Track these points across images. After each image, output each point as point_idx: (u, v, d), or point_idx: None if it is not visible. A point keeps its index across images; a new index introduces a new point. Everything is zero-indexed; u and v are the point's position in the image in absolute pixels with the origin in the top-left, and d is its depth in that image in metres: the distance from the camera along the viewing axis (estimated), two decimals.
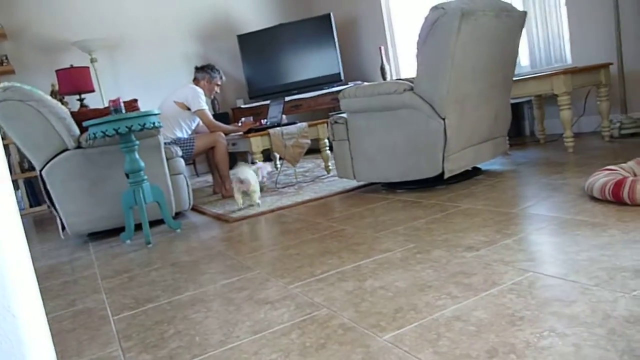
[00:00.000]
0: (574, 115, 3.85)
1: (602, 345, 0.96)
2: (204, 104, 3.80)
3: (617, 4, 3.38)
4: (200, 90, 3.84)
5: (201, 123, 3.97)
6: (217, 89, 4.07)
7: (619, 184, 1.83)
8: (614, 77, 3.63)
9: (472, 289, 1.33)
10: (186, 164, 3.78)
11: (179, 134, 3.80)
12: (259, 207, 3.02)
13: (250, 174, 3.03)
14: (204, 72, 3.97)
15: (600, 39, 3.69)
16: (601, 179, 1.94)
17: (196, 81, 3.97)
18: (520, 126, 4.48)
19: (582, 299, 1.16)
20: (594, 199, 1.99)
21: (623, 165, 2.14)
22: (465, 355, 1.01)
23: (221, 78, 4.05)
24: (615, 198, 1.85)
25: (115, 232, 3.13)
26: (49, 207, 4.36)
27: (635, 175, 2.10)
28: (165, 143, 3.53)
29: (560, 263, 1.40)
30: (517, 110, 4.38)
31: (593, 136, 3.69)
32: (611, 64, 3.38)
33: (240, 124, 4.05)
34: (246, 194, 3.04)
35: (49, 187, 2.84)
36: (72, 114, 2.99)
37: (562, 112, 3.15)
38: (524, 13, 2.81)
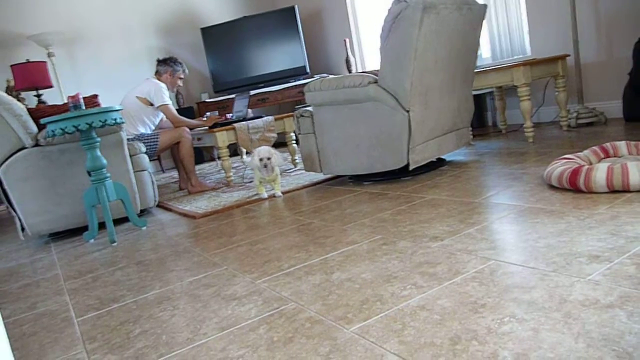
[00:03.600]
0: (533, 106, 3.97)
1: (559, 329, 0.99)
2: (167, 99, 3.73)
3: None
4: (162, 85, 3.76)
5: (165, 118, 3.90)
6: (180, 82, 3.99)
7: (575, 173, 1.90)
8: (571, 69, 3.75)
9: (437, 279, 1.35)
10: (151, 160, 3.71)
11: (142, 130, 3.72)
12: (282, 197, 2.93)
13: (275, 152, 2.91)
14: (166, 65, 3.89)
15: (558, 31, 3.79)
16: (559, 167, 2.01)
17: (158, 75, 3.89)
18: (483, 117, 4.58)
19: (540, 285, 1.20)
20: (552, 187, 2.05)
21: (579, 154, 2.22)
22: (430, 343, 1.03)
23: (184, 71, 3.98)
24: (572, 186, 1.91)
25: (78, 231, 3.05)
26: (7, 207, 4.21)
27: (590, 163, 2.18)
28: (128, 139, 3.45)
29: (521, 250, 1.44)
30: (479, 101, 4.47)
31: (552, 126, 3.80)
32: (568, 55, 3.48)
33: (205, 119, 4.00)
34: (265, 180, 2.94)
35: (6, 186, 2.74)
36: (29, 110, 2.89)
37: (522, 102, 3.24)
38: (485, 6, 2.87)
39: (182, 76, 3.97)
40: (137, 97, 3.68)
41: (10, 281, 2.20)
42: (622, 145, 2.22)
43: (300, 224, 2.24)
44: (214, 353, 1.18)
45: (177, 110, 5.85)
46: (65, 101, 5.07)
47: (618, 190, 1.82)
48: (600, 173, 1.82)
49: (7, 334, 1.54)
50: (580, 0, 3.60)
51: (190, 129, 3.88)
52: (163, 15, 6.09)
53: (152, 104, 3.70)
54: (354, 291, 1.37)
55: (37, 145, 2.79)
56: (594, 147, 2.25)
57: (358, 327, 1.16)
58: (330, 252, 1.75)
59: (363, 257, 1.63)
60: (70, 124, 2.40)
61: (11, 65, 4.82)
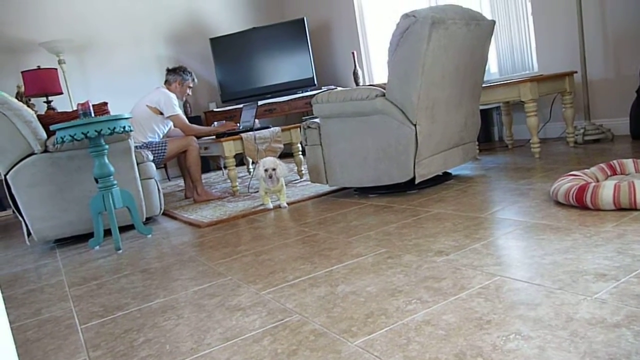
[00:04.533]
0: (540, 122, 3.97)
1: (565, 347, 0.98)
2: (177, 109, 3.76)
3: (581, 15, 3.50)
4: (172, 95, 3.80)
5: (174, 127, 3.93)
6: (189, 91, 4.03)
7: (582, 189, 1.89)
8: (578, 85, 3.75)
9: (442, 294, 1.35)
10: (157, 168, 3.73)
11: (152, 138, 3.75)
12: (287, 208, 2.95)
13: (280, 163, 2.93)
14: (175, 74, 3.93)
15: (565, 48, 3.80)
16: (565, 184, 2.00)
17: (167, 84, 3.93)
18: (490, 132, 4.58)
19: (546, 302, 1.19)
20: (558, 203, 2.05)
21: (586, 170, 2.21)
22: (435, 359, 1.03)
23: (193, 80, 4.01)
24: (579, 203, 1.90)
25: (83, 238, 3.06)
26: (14, 212, 4.24)
27: (597, 180, 2.17)
28: (136, 147, 3.47)
29: (526, 267, 1.43)
30: (486, 116, 4.48)
31: (558, 142, 3.80)
32: (575, 72, 3.49)
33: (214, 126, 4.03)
34: (271, 191, 2.95)
35: (14, 192, 2.77)
36: (39, 117, 2.92)
37: (529, 118, 3.24)
38: (493, 22, 2.88)
39: (191, 85, 4.00)
40: (147, 105, 3.71)
41: (15, 286, 2.21)
42: (629, 163, 2.22)
43: (306, 235, 2.24)
44: None
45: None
46: (75, 108, 5.12)
47: (625, 208, 1.81)
48: (607, 190, 1.82)
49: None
50: (588, 17, 3.62)
51: (200, 137, 3.90)
52: (173, 25, 6.16)
53: (162, 113, 3.73)
54: (359, 304, 1.37)
55: (45, 151, 2.81)
56: (600, 164, 2.25)
57: (362, 340, 1.16)
58: (335, 265, 1.75)
59: (368, 270, 1.63)
60: (79, 131, 2.42)
61: (22, 72, 4.88)
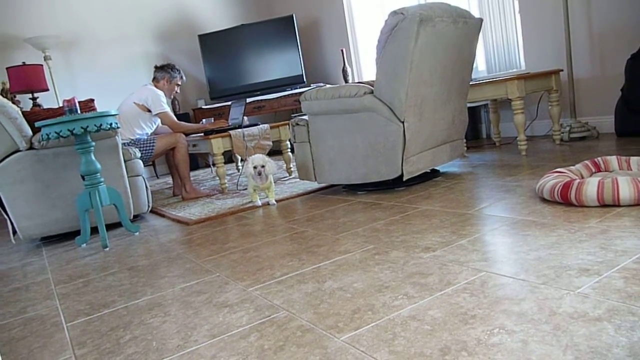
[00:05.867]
0: (527, 119, 4.00)
1: (548, 341, 1.00)
2: (165, 106, 3.74)
3: (568, 14, 3.53)
4: (160, 92, 3.77)
5: (161, 124, 3.90)
6: (177, 89, 4.00)
7: (567, 186, 1.91)
8: (565, 83, 3.79)
9: (428, 289, 1.36)
10: (145, 165, 3.71)
11: (139, 135, 3.72)
12: (275, 205, 2.94)
13: (269, 160, 2.92)
14: (163, 71, 3.90)
15: (552, 46, 3.84)
16: (551, 181, 2.03)
17: (155, 81, 3.90)
18: (477, 129, 4.61)
19: (530, 297, 1.21)
20: (544, 200, 2.07)
21: (571, 167, 2.24)
22: (420, 354, 1.04)
23: (181, 78, 3.99)
24: (564, 199, 1.93)
25: (70, 235, 3.03)
26: None
27: (582, 177, 2.20)
28: (124, 144, 3.45)
29: (512, 262, 1.45)
30: (473, 113, 4.51)
31: (545, 139, 3.83)
32: (562, 70, 3.52)
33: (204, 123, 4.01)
34: (259, 188, 2.95)
35: None
36: (24, 113, 2.89)
37: (516, 116, 3.26)
38: (480, 20, 2.90)
39: (179, 83, 3.97)
40: (135, 103, 3.68)
41: (0, 284, 2.19)
42: (613, 160, 2.25)
43: (294, 232, 2.24)
44: None
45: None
46: (61, 105, 5.06)
47: (608, 204, 1.83)
48: (591, 187, 1.84)
49: None
50: (574, 16, 3.65)
51: (188, 135, 3.88)
52: (161, 22, 6.12)
53: (149, 111, 3.71)
54: (346, 300, 1.37)
55: (31, 148, 2.78)
56: (585, 161, 2.28)
57: (349, 336, 1.16)
58: (323, 261, 1.75)
59: (355, 267, 1.64)
60: (66, 127, 2.40)
61: (7, 68, 4.81)
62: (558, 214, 1.85)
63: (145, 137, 3.72)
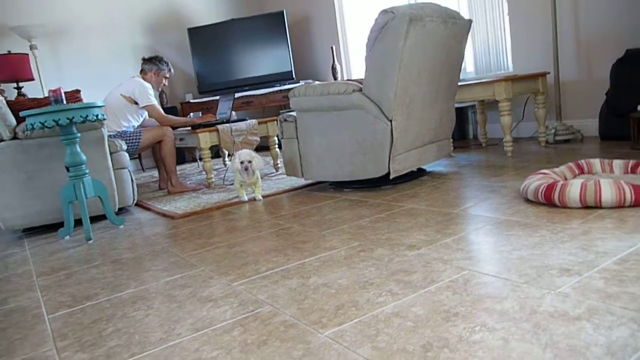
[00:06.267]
0: (513, 121, 4.04)
1: (528, 339, 1.01)
2: (152, 99, 3.70)
3: (556, 17, 3.57)
4: (147, 85, 3.73)
5: (148, 117, 3.87)
6: (165, 82, 3.96)
7: (550, 187, 1.94)
8: (551, 86, 3.83)
9: (412, 287, 1.37)
10: (131, 158, 3.67)
11: (126, 128, 3.69)
12: (262, 201, 2.93)
13: (256, 156, 2.91)
14: (151, 63, 3.86)
15: (540, 49, 3.88)
16: (535, 182, 2.05)
17: (143, 73, 3.86)
18: (464, 129, 4.65)
19: (512, 296, 1.22)
20: (528, 200, 2.10)
21: (555, 169, 2.27)
22: (402, 350, 1.05)
23: (169, 71, 3.95)
24: (547, 200, 1.95)
25: (53, 227, 3.00)
26: None
27: (566, 179, 2.23)
28: (110, 136, 3.41)
29: (495, 261, 1.47)
30: (461, 114, 4.54)
31: (530, 141, 3.88)
32: (548, 73, 3.56)
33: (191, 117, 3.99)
34: (246, 183, 2.94)
35: None
36: (9, 103, 2.84)
37: (503, 117, 3.30)
38: (470, 21, 2.92)
39: (167, 75, 3.94)
40: (121, 95, 3.64)
41: None
42: (596, 163, 2.28)
43: (280, 228, 2.24)
44: (187, 354, 1.17)
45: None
46: (46, 95, 4.99)
47: (591, 206, 1.86)
48: (574, 189, 1.87)
49: None
50: (562, 20, 3.69)
51: (176, 128, 3.86)
52: (150, 13, 6.06)
53: (136, 103, 3.67)
54: (330, 296, 1.38)
55: (15, 138, 2.74)
56: (569, 164, 2.31)
57: (332, 331, 1.17)
58: (308, 257, 1.75)
59: (340, 263, 1.64)
60: (51, 118, 2.37)
61: None
62: (541, 214, 1.88)
63: (132, 130, 3.68)
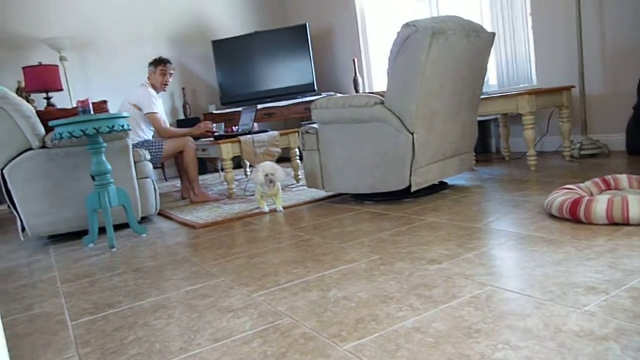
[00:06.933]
0: (537, 135, 3.98)
1: (552, 358, 0.99)
2: (154, 107, 3.73)
3: (581, 30, 3.53)
4: (151, 92, 3.77)
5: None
6: (168, 78, 3.95)
7: (576, 203, 1.90)
8: (576, 100, 3.77)
9: (433, 301, 1.35)
10: (154, 168, 3.73)
11: (142, 136, 3.75)
12: (282, 212, 2.94)
13: (278, 168, 2.93)
14: (150, 65, 3.92)
15: (564, 62, 3.83)
16: (559, 197, 2.02)
17: (148, 78, 3.92)
18: (487, 143, 4.60)
19: (536, 313, 1.20)
20: (552, 216, 2.06)
21: (581, 184, 2.23)
22: None
23: (165, 65, 3.91)
24: (572, 216, 1.92)
25: (77, 235, 3.05)
26: (9, 207, 4.22)
27: (591, 195, 2.19)
28: (133, 145, 3.48)
29: (518, 278, 1.44)
30: (483, 127, 4.50)
31: (555, 155, 3.81)
32: (573, 86, 3.51)
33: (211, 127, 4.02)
34: (267, 194, 2.96)
35: (10, 186, 2.76)
36: (38, 112, 2.92)
37: (526, 131, 3.26)
38: (493, 34, 2.90)
39: (165, 70, 3.92)
40: (130, 103, 3.73)
41: (7, 281, 2.20)
42: (623, 178, 2.23)
43: (300, 239, 2.24)
44: None
45: (183, 120, 5.92)
46: (75, 105, 5.12)
47: (618, 222, 1.82)
48: (600, 205, 1.83)
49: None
50: (587, 33, 3.65)
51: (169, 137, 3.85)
52: (175, 26, 6.18)
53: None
54: (350, 309, 1.37)
55: (43, 147, 2.81)
56: (595, 179, 2.26)
57: (352, 345, 1.16)
58: (328, 270, 1.75)
59: (360, 276, 1.63)
60: (78, 128, 2.42)
61: (23, 67, 4.88)
62: (566, 230, 1.84)
63: (154, 139, 3.74)
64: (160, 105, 3.89)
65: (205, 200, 3.66)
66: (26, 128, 2.74)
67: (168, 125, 3.88)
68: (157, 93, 3.93)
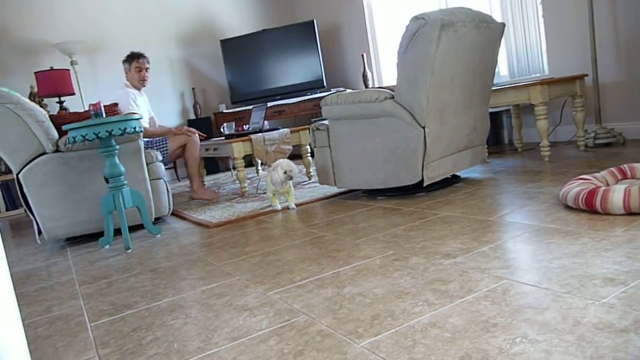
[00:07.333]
0: (550, 125, 3.94)
1: (572, 352, 0.98)
2: (132, 107, 3.68)
3: (593, 17, 3.48)
4: (129, 92, 3.73)
5: (158, 123, 3.91)
6: (145, 74, 3.87)
7: (592, 193, 1.88)
8: (589, 88, 3.72)
9: (448, 296, 1.34)
10: (166, 168, 3.74)
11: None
12: (295, 209, 2.95)
13: (294, 165, 2.91)
14: (124, 63, 3.86)
15: (576, 50, 3.78)
16: (575, 188, 1.99)
17: (126, 76, 3.88)
18: (499, 135, 4.56)
19: (553, 306, 1.18)
20: (567, 207, 2.04)
21: (596, 174, 2.20)
22: None
23: (138, 60, 3.83)
24: (588, 207, 1.89)
25: (93, 237, 3.09)
26: (25, 211, 4.27)
27: (607, 184, 2.16)
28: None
29: (534, 270, 1.43)
30: (495, 119, 4.46)
31: (569, 145, 3.77)
32: (586, 75, 3.47)
33: (227, 131, 4.03)
34: (279, 192, 2.96)
35: (25, 191, 2.80)
36: (51, 117, 2.96)
37: (539, 121, 3.22)
38: (503, 25, 2.87)
39: (138, 66, 3.84)
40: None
41: (26, 284, 2.24)
42: (639, 167, 2.20)
43: (313, 236, 2.24)
44: None
45: (193, 120, 5.95)
46: (87, 109, 5.17)
47: (635, 212, 1.79)
48: (617, 195, 1.80)
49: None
50: (600, 20, 3.59)
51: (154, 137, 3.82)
52: (183, 27, 6.20)
53: None
54: (365, 306, 1.37)
55: (57, 151, 2.85)
56: (611, 168, 2.23)
57: (368, 342, 1.16)
58: (343, 266, 1.75)
59: (375, 272, 1.63)
60: (91, 131, 2.45)
61: (35, 72, 4.94)
62: (582, 221, 1.82)
63: (157, 140, 3.73)
64: (142, 104, 3.83)
65: (201, 198, 3.66)
66: (40, 133, 2.77)
67: (147, 125, 3.80)
68: (139, 90, 3.88)
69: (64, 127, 2.52)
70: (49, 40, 5.40)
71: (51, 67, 5.15)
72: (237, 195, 3.76)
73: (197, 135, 3.78)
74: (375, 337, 1.18)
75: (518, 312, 1.18)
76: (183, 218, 3.26)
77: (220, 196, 3.75)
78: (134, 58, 3.84)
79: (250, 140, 3.61)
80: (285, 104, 5.82)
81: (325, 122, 3.05)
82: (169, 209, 3.24)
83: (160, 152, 3.62)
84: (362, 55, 5.68)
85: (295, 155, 5.73)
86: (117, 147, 2.63)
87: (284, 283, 1.67)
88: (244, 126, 4.17)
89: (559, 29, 3.86)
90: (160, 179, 3.17)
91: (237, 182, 4.62)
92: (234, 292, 1.66)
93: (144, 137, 3.72)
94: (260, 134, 3.66)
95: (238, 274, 1.86)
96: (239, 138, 3.61)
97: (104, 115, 2.56)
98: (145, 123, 3.81)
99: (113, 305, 1.74)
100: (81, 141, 2.47)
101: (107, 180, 2.63)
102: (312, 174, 4.06)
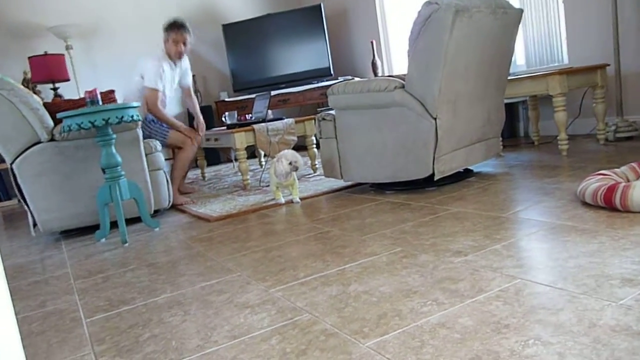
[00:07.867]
0: (569, 117, 3.83)
1: (587, 355, 0.94)
2: (154, 83, 3.39)
3: (616, 3, 3.35)
4: (162, 65, 3.44)
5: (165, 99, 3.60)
6: (182, 47, 3.56)
7: (611, 190, 1.81)
8: (611, 79, 3.60)
9: (459, 296, 1.30)
10: (165, 159, 3.56)
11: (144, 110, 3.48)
12: (299, 203, 2.88)
13: (299, 156, 2.83)
14: (164, 31, 3.56)
15: (598, 39, 3.66)
16: (593, 184, 1.92)
17: (164, 43, 3.60)
18: (515, 127, 4.47)
19: (568, 307, 1.14)
20: (585, 204, 1.97)
21: (616, 170, 2.12)
22: None
23: (177, 33, 3.50)
24: (607, 204, 1.82)
25: (89, 230, 3.00)
26: (19, 201, 4.21)
27: (628, 180, 2.08)
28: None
29: (549, 270, 1.37)
30: (511, 110, 4.36)
31: (588, 139, 3.68)
32: (608, 65, 3.35)
33: (228, 121, 3.93)
34: (282, 185, 2.89)
35: (19, 181, 2.73)
36: (46, 104, 2.88)
37: (557, 113, 3.13)
38: (521, 11, 2.78)
39: (174, 39, 3.53)
40: (139, 75, 3.50)
41: (19, 278, 2.19)
42: None
43: (318, 232, 2.18)
44: None
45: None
46: (82, 96, 5.10)
47: None
48: (637, 191, 1.73)
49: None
50: (623, 7, 3.47)
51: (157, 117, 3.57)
52: (184, 10, 6.02)
53: None
54: (372, 305, 1.32)
55: (52, 140, 2.77)
56: (632, 164, 2.14)
57: (374, 342, 1.12)
58: (348, 263, 1.69)
59: (382, 270, 1.58)
60: (87, 119, 2.38)
61: (29, 57, 4.81)
62: (601, 219, 1.75)
63: (159, 125, 3.53)
64: (170, 79, 3.56)
65: (175, 204, 3.37)
66: (34, 121, 2.70)
67: (164, 109, 3.53)
68: (175, 64, 3.63)
69: (58, 115, 2.46)
70: (44, 24, 5.26)
71: (45, 51, 5.00)
72: (239, 188, 3.70)
73: (199, 138, 3.63)
74: (382, 337, 1.14)
75: (531, 313, 1.14)
76: (183, 211, 3.20)
77: (192, 202, 3.45)
78: (172, 28, 3.53)
79: (253, 130, 3.54)
80: (290, 92, 5.72)
81: (332, 112, 2.99)
82: (169, 201, 3.18)
83: (160, 139, 3.46)
84: (372, 42, 5.57)
85: (300, 147, 5.65)
86: (114, 136, 2.56)
87: (287, 280, 1.62)
88: (247, 115, 4.09)
89: (580, 15, 3.74)
90: (160, 169, 3.10)
91: (239, 174, 4.56)
92: (235, 289, 1.61)
93: (155, 115, 3.49)
94: (263, 124, 3.59)
95: (239, 270, 1.81)
96: (241, 128, 3.54)
97: (101, 103, 2.49)
98: (161, 103, 3.49)
99: (109, 300, 1.69)
100: (77, 130, 2.40)
101: (103, 171, 2.56)
102: (317, 166, 3.99)
